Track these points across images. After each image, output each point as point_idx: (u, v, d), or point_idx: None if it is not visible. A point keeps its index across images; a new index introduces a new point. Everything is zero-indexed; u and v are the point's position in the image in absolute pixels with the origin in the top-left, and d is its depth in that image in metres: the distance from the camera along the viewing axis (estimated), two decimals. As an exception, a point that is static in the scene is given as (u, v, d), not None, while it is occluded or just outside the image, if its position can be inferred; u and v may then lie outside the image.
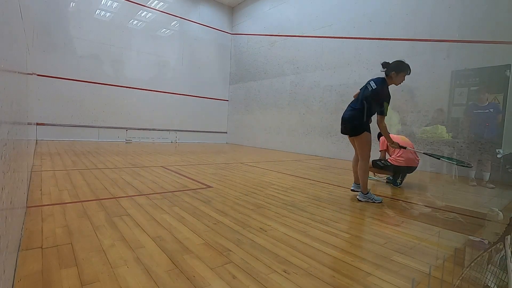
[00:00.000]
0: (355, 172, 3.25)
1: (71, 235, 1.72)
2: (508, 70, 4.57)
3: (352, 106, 3.25)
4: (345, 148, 7.58)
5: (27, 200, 2.39)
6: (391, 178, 4.06)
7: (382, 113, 3.01)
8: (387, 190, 3.74)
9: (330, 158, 7.83)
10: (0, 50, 0.82)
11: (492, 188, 3.99)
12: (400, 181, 3.91)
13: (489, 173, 4.10)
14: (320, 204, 2.85)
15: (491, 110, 4.10)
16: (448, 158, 3.33)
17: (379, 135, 4.32)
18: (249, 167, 5.21)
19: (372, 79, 3.15)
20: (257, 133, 10.75)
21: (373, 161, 4.11)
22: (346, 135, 3.27)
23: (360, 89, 3.23)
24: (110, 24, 9.12)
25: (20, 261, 1.39)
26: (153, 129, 10.15)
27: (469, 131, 4.61)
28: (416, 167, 3.94)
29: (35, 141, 6.83)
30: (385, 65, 3.08)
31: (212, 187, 3.36)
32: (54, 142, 7.71)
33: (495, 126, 3.99)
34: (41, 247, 1.55)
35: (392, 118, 6.55)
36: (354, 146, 3.28)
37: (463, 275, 1.28)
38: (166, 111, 10.43)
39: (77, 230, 1.81)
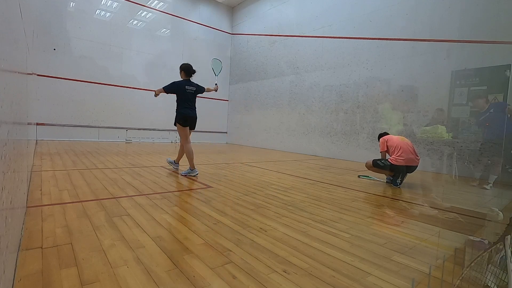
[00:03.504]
0: (192, 157, 4.08)
1: (71, 235, 1.72)
2: (508, 70, 4.57)
3: (193, 105, 4.18)
4: (345, 148, 7.58)
5: (27, 200, 2.39)
6: (391, 178, 4.06)
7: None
8: (387, 190, 3.74)
9: (330, 158, 7.83)
10: (0, 50, 0.82)
11: (485, 189, 3.96)
12: (400, 181, 3.91)
13: (496, 176, 4.00)
14: (320, 204, 2.85)
15: (491, 111, 4.07)
16: None
17: (379, 136, 4.33)
18: (249, 167, 5.21)
19: (189, 83, 4.15)
20: (257, 133, 10.75)
21: (373, 160, 4.11)
22: (183, 127, 4.10)
23: (187, 92, 4.09)
24: (110, 24, 9.11)
25: (20, 261, 1.39)
26: (153, 129, 10.14)
27: (483, 138, 4.61)
28: (417, 166, 3.94)
29: (35, 141, 6.83)
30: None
31: (212, 187, 3.36)
32: (54, 142, 7.71)
33: (501, 124, 3.90)
34: (41, 247, 1.55)
35: (392, 118, 6.55)
36: (187, 135, 4.16)
37: (463, 275, 1.28)
38: (166, 111, 10.40)
39: (77, 230, 1.81)
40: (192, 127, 4.21)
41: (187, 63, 4.22)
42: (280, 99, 9.74)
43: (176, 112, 4.09)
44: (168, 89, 4.04)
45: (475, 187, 4.35)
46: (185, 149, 4.10)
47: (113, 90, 9.23)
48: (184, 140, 4.14)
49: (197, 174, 4.07)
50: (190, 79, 4.22)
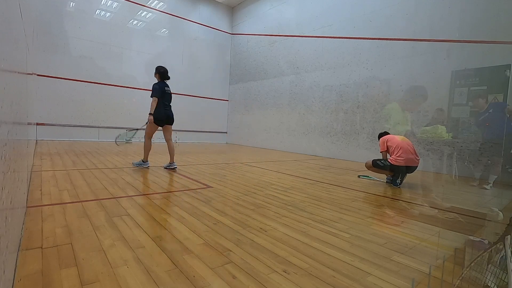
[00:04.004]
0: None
1: (71, 235, 1.72)
2: (508, 70, 4.57)
3: (170, 105, 4.50)
4: (345, 148, 7.58)
5: (27, 200, 2.39)
6: (391, 178, 4.06)
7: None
8: (387, 190, 3.74)
9: (330, 158, 7.83)
10: (0, 50, 0.82)
11: (485, 189, 3.96)
12: (400, 181, 3.91)
13: (496, 176, 4.00)
14: (320, 204, 2.85)
15: (490, 111, 4.07)
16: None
17: (379, 136, 4.32)
18: (249, 167, 5.21)
19: (166, 84, 4.48)
20: (257, 133, 10.75)
21: (373, 160, 4.11)
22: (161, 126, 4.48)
23: (164, 93, 4.38)
24: (110, 24, 9.11)
25: (20, 261, 1.39)
26: (153, 129, 10.14)
27: (483, 139, 4.64)
28: (416, 167, 3.94)
29: (35, 141, 6.83)
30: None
31: (212, 187, 3.36)
32: (54, 142, 7.71)
33: (501, 124, 3.89)
34: (41, 247, 1.55)
35: (398, 118, 6.54)
36: (154, 133, 4.48)
37: (463, 275, 1.28)
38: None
39: (77, 230, 1.81)
40: (171, 123, 4.53)
41: (163, 66, 4.55)
42: (280, 99, 9.74)
43: (156, 111, 4.29)
44: (158, 94, 4.25)
45: (475, 187, 4.35)
46: (146, 143, 4.46)
47: (113, 90, 9.23)
48: (149, 137, 4.47)
49: (148, 166, 4.49)
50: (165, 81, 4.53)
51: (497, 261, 1.27)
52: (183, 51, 10.79)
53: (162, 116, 4.33)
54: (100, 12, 8.94)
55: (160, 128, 4.52)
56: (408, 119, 6.28)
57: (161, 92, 4.32)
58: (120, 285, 1.23)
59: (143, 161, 4.46)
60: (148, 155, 4.46)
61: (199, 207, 2.50)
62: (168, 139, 4.61)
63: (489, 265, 1.29)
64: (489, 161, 4.50)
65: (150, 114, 4.22)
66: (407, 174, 3.99)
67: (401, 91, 6.36)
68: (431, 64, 5.82)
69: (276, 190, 3.36)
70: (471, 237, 2.10)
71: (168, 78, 4.53)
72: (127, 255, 1.51)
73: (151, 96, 4.25)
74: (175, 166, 4.53)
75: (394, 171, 3.96)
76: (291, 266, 1.50)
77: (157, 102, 4.27)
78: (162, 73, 4.47)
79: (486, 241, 1.73)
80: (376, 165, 4.07)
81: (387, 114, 6.65)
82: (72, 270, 1.33)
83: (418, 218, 2.60)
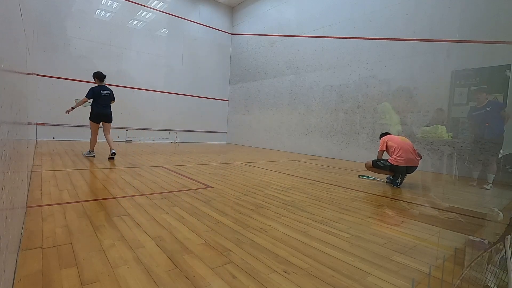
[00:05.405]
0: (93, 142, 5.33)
1: (71, 235, 1.72)
2: (508, 70, 4.57)
3: (107, 105, 5.28)
4: (345, 148, 7.58)
5: (27, 200, 2.39)
6: (391, 178, 4.06)
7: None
8: (387, 190, 3.74)
9: (330, 158, 7.83)
10: (0, 50, 0.82)
11: (485, 189, 3.95)
12: (400, 181, 3.91)
13: (494, 175, 3.98)
14: (320, 204, 2.85)
15: (488, 109, 4.06)
16: None
17: (381, 136, 4.33)
18: (249, 167, 5.21)
19: (103, 88, 5.19)
20: (257, 133, 10.75)
21: (373, 161, 4.11)
22: (103, 122, 5.28)
23: (103, 96, 5.16)
24: (110, 24, 9.11)
25: (20, 261, 1.39)
26: (153, 129, 10.14)
27: (472, 134, 4.63)
28: (416, 167, 3.94)
29: (35, 141, 6.83)
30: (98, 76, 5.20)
31: (212, 187, 3.36)
32: (54, 142, 7.71)
33: (497, 123, 3.87)
34: (41, 247, 1.55)
35: (391, 119, 6.55)
36: (97, 129, 5.32)
37: (463, 275, 1.28)
38: (166, 111, 10.42)
39: (77, 230, 1.81)
40: (108, 121, 5.28)
41: (98, 71, 5.21)
42: (280, 99, 9.74)
43: (92, 110, 5.07)
44: (89, 96, 4.97)
45: (475, 187, 4.34)
46: (91, 138, 5.24)
47: (113, 90, 9.22)
48: (94, 133, 5.24)
49: (94, 156, 5.31)
50: (104, 84, 5.24)
51: (497, 261, 1.27)
52: (183, 51, 10.79)
53: (96, 114, 5.06)
54: (100, 12, 8.94)
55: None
56: (398, 119, 6.32)
57: (95, 94, 4.98)
58: (120, 285, 1.23)
59: (89, 151, 5.31)
60: (93, 147, 5.35)
61: (199, 207, 2.50)
62: (106, 134, 5.33)
63: (489, 265, 1.29)
64: (488, 160, 4.50)
65: (72, 108, 5.04)
66: (407, 174, 3.99)
67: (401, 91, 6.35)
68: (431, 64, 5.82)
69: (276, 190, 3.36)
70: (471, 237, 2.10)
71: (104, 76, 5.22)
72: (127, 255, 1.51)
73: (85, 96, 4.96)
74: (114, 152, 5.08)
75: (394, 171, 3.96)
76: (291, 266, 1.50)
77: (92, 102, 5.02)
78: (98, 77, 5.11)
79: (486, 241, 1.73)
80: (376, 165, 4.07)
81: (382, 113, 6.66)
82: (72, 270, 1.33)
83: (418, 218, 2.60)
